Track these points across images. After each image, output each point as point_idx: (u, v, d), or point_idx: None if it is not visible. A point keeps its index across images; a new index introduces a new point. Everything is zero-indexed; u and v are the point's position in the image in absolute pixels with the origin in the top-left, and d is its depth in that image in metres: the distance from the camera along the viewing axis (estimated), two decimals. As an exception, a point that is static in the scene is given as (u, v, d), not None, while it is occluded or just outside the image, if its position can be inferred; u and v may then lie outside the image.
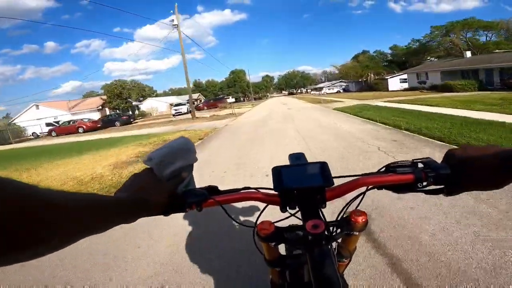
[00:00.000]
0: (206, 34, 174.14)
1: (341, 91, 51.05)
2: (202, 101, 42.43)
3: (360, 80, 48.51)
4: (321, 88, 61.21)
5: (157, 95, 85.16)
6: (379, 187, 0.53)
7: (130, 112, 35.39)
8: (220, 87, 70.51)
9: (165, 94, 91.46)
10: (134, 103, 38.34)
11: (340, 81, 67.66)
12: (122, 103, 29.16)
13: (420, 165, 0.51)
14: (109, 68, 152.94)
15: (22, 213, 0.23)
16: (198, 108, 35.05)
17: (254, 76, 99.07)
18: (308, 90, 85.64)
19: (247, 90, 67.60)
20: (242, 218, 2.07)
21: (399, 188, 0.52)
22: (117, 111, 30.01)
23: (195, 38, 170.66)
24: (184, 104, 29.97)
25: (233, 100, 59.93)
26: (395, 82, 39.79)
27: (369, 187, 0.53)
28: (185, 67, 18.89)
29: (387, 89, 38.56)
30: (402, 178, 0.50)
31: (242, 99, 67.62)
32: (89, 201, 0.34)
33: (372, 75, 42.45)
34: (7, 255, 0.23)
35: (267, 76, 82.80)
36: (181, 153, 0.52)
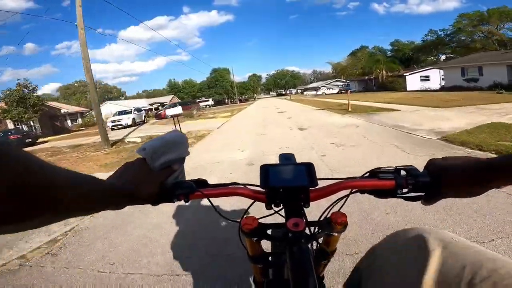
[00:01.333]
0: (192, 35, 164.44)
1: (343, 91, 42.63)
2: (165, 106, 31.56)
3: (366, 78, 40.26)
4: (317, 88, 52.75)
5: (126, 98, 74.61)
6: (362, 191, 0.54)
7: (59, 123, 25.20)
8: (200, 87, 60.68)
9: (139, 96, 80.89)
10: (64, 110, 27.79)
11: (337, 80, 59.75)
12: (24, 113, 18.84)
13: (403, 172, 0.52)
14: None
15: (28, 184, 0.23)
16: (159, 116, 25.31)
17: (240, 78, 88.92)
18: (299, 91, 77.60)
19: (231, 91, 58.11)
20: (230, 213, 2.13)
21: (380, 193, 0.53)
22: (31, 123, 19.76)
23: (181, 39, 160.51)
24: (130, 113, 20.26)
25: (212, 103, 50.51)
26: (414, 80, 31.71)
27: (352, 190, 0.55)
28: (82, 43, 9.28)
29: (405, 89, 30.40)
30: (384, 183, 0.51)
31: (227, 101, 58.21)
32: (88, 183, 0.34)
33: (384, 71, 34.18)
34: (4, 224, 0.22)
35: (254, 75, 73.55)
36: (174, 146, 0.53)
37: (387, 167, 0.53)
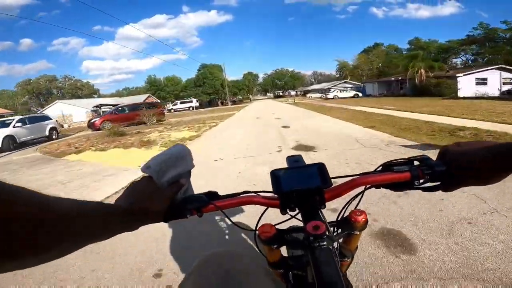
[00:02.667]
0: (190, 34, 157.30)
1: (359, 94, 33.84)
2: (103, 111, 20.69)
3: (393, 78, 31.49)
4: (324, 90, 43.85)
5: (100, 96, 64.51)
6: (377, 186, 0.53)
7: None
8: (185, 86, 51.27)
9: (119, 94, 71.11)
10: None
11: (344, 82, 51.18)
12: None
13: (417, 162, 0.51)
14: (87, 67, 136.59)
15: (28, 220, 0.23)
16: (92, 126, 15.94)
17: (236, 78, 79.09)
18: (299, 92, 68.95)
19: (221, 91, 48.89)
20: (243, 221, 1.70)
21: (396, 186, 0.52)
22: None
23: (179, 38, 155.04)
24: (8, 125, 10.77)
25: (196, 104, 41.20)
26: (469, 84, 23.08)
27: (367, 186, 0.53)
28: None
29: (456, 94, 21.75)
30: (399, 176, 0.50)
31: (218, 102, 49.08)
32: (94, 210, 0.34)
33: (422, 70, 25.47)
34: (8, 261, 0.23)
35: (249, 73, 64.42)
36: (178, 160, 0.52)
37: (400, 159, 0.52)
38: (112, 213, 0.37)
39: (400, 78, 30.44)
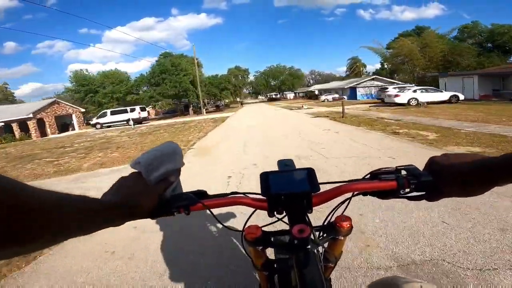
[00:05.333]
0: (181, 37, 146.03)
1: (460, 96, 16.72)
2: None
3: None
4: (343, 90, 26.94)
5: (13, 102, 45.61)
6: (364, 193, 0.53)
7: None
8: (135, 85, 33.01)
9: (64, 98, 52.60)
10: None
11: (373, 79, 34.71)
12: None
13: (404, 172, 0.51)
14: (73, 70, 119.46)
15: (13, 210, 0.23)
16: None
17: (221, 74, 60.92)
18: (299, 94, 52.69)
19: (192, 92, 30.95)
20: (231, 222, 2.14)
21: (382, 194, 0.52)
22: None
23: (169, 41, 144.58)
24: None
25: (140, 116, 23.20)
26: None
27: (354, 193, 0.54)
28: None
29: None
30: (385, 185, 0.50)
31: (192, 109, 31.73)
32: (80, 203, 0.34)
33: None
34: None
35: (237, 68, 46.85)
36: (168, 157, 0.51)
37: (388, 167, 0.52)
38: (97, 208, 0.36)
39: None
